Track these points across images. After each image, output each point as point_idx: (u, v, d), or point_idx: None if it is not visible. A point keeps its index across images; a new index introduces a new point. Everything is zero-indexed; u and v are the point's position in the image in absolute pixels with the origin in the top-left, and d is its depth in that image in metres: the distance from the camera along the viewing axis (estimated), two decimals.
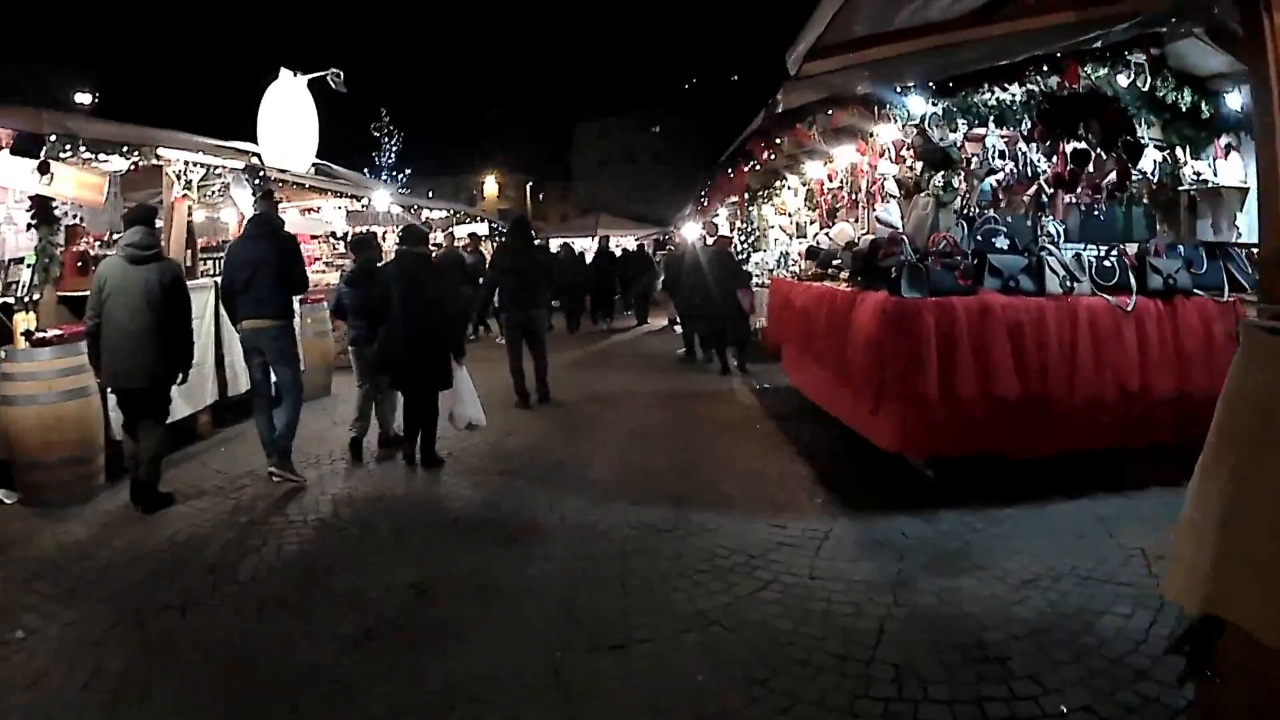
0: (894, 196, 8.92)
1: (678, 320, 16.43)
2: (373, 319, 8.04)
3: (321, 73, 11.64)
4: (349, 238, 15.47)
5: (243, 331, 7.64)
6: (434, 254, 14.69)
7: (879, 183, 9.17)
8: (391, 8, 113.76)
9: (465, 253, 19.52)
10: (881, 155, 8.85)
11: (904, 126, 7.42)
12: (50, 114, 7.33)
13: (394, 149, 41.69)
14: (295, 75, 11.39)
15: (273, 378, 7.75)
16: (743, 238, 16.86)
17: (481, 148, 76.94)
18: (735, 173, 12.67)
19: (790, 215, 14.73)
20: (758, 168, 11.70)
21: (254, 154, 10.10)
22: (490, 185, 77.85)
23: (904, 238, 7.01)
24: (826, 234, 10.87)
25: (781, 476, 7.65)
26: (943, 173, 7.55)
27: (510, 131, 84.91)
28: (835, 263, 9.28)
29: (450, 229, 21.09)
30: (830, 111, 7.74)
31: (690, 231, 26.81)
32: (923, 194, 7.96)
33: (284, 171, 11.24)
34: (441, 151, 70.45)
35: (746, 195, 15.79)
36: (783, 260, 14.49)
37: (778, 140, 9.75)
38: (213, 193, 11.64)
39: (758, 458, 8.37)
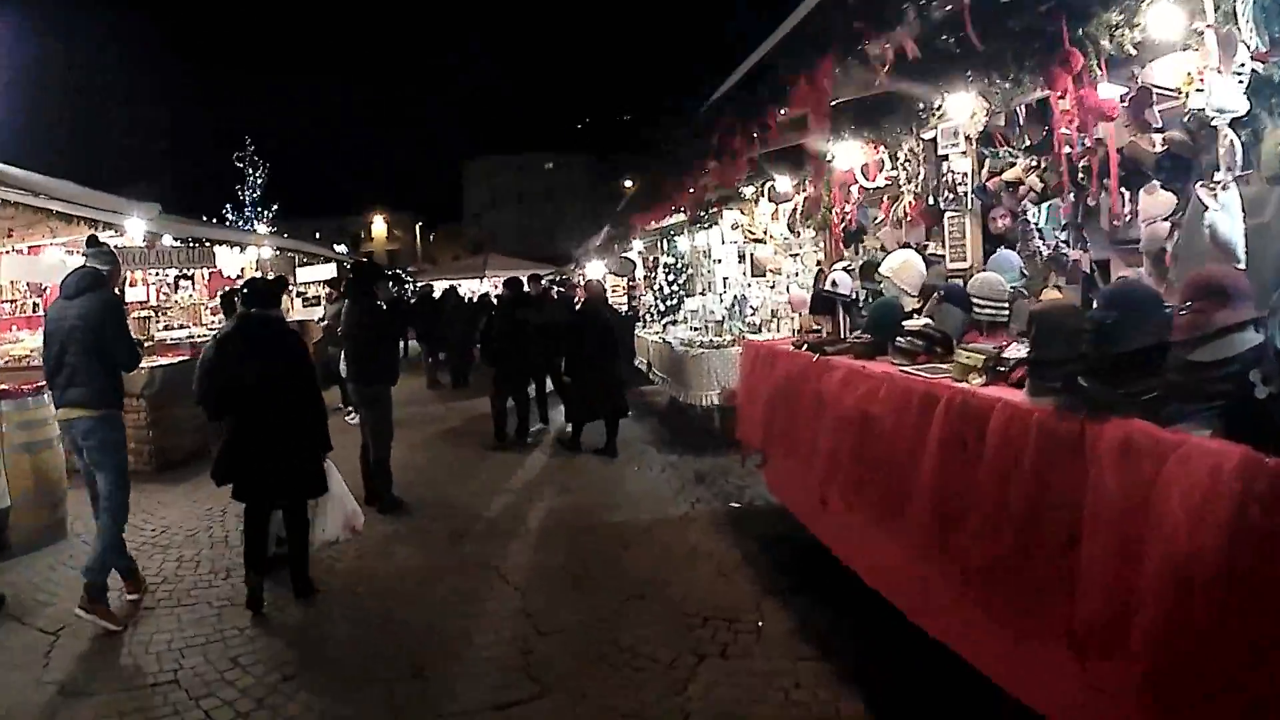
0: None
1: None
2: (209, 408, 6.22)
3: None
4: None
5: (60, 422, 6.07)
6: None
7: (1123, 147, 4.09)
8: (273, 45, 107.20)
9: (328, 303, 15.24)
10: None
11: None
12: None
13: (259, 181, 36.17)
14: None
15: None
16: (669, 277, 12.15)
17: (368, 186, 72.66)
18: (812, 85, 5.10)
19: (763, 239, 9.95)
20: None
21: None
22: (378, 225, 73.65)
23: None
24: (850, 270, 6.27)
25: None
26: None
27: (399, 169, 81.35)
28: (918, 327, 4.67)
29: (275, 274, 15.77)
30: None
31: (595, 269, 22.15)
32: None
33: None
34: (325, 190, 66.10)
35: (681, 215, 10.99)
36: (737, 309, 9.84)
37: None
38: None
39: None
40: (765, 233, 9.54)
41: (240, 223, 34.91)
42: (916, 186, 6.00)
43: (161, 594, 6.05)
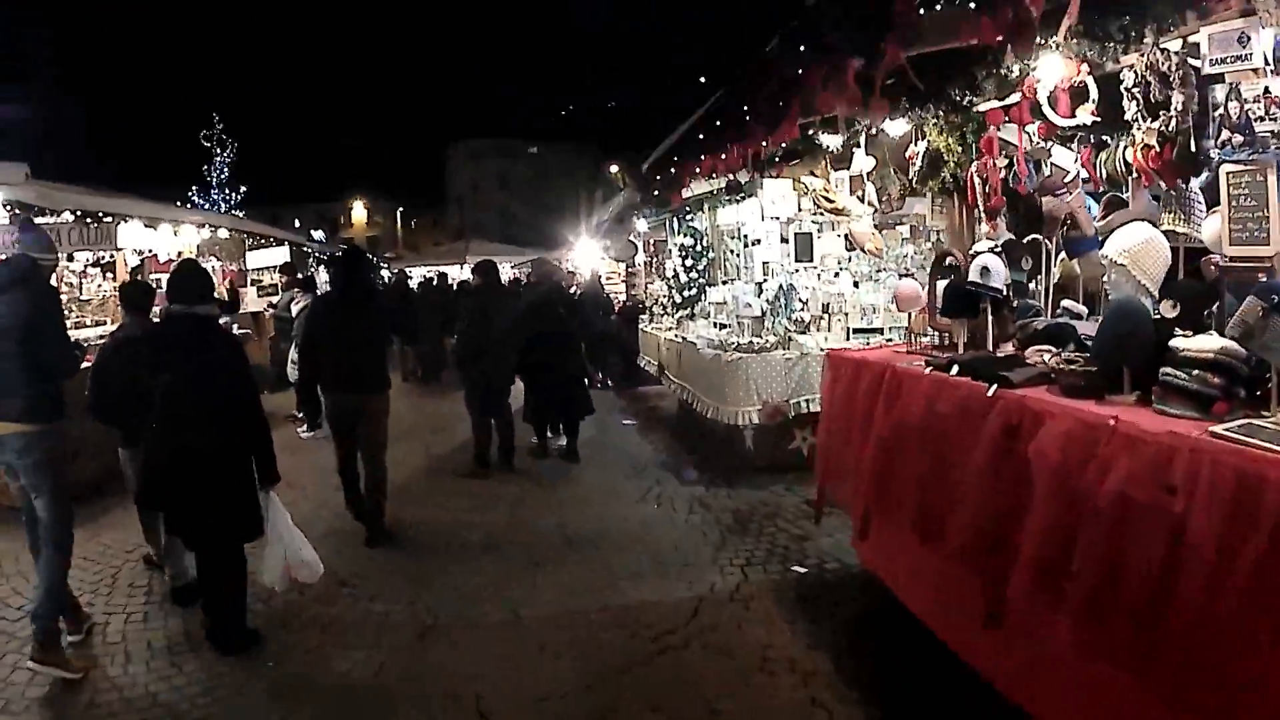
0: None
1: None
2: (122, 425, 5.37)
3: None
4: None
5: None
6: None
7: None
8: (252, 28, 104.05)
9: (287, 292, 12.76)
10: None
11: None
12: None
13: (227, 162, 33.65)
14: None
15: None
16: (686, 261, 10.02)
17: (348, 171, 70.32)
18: None
19: (843, 210, 7.71)
20: None
21: None
22: (358, 211, 71.99)
23: None
24: (997, 249, 4.24)
25: None
26: None
27: (380, 154, 79.32)
28: (1211, 353, 2.66)
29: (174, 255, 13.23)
30: None
31: (587, 254, 19.97)
32: None
33: None
34: (303, 175, 63.99)
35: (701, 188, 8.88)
36: (781, 302, 7.79)
37: None
38: None
39: None
40: (863, 199, 7.30)
41: (206, 205, 32.55)
42: (1166, 124, 3.80)
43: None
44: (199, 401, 4.69)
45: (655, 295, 12.54)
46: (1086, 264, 4.68)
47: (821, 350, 7.61)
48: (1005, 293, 4.19)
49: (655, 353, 10.76)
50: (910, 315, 4.98)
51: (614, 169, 50.25)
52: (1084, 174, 4.73)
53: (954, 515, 3.53)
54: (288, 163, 66.04)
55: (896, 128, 5.92)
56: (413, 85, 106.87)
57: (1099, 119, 4.18)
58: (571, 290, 14.55)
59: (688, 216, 10.64)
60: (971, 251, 4.39)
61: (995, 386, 3.43)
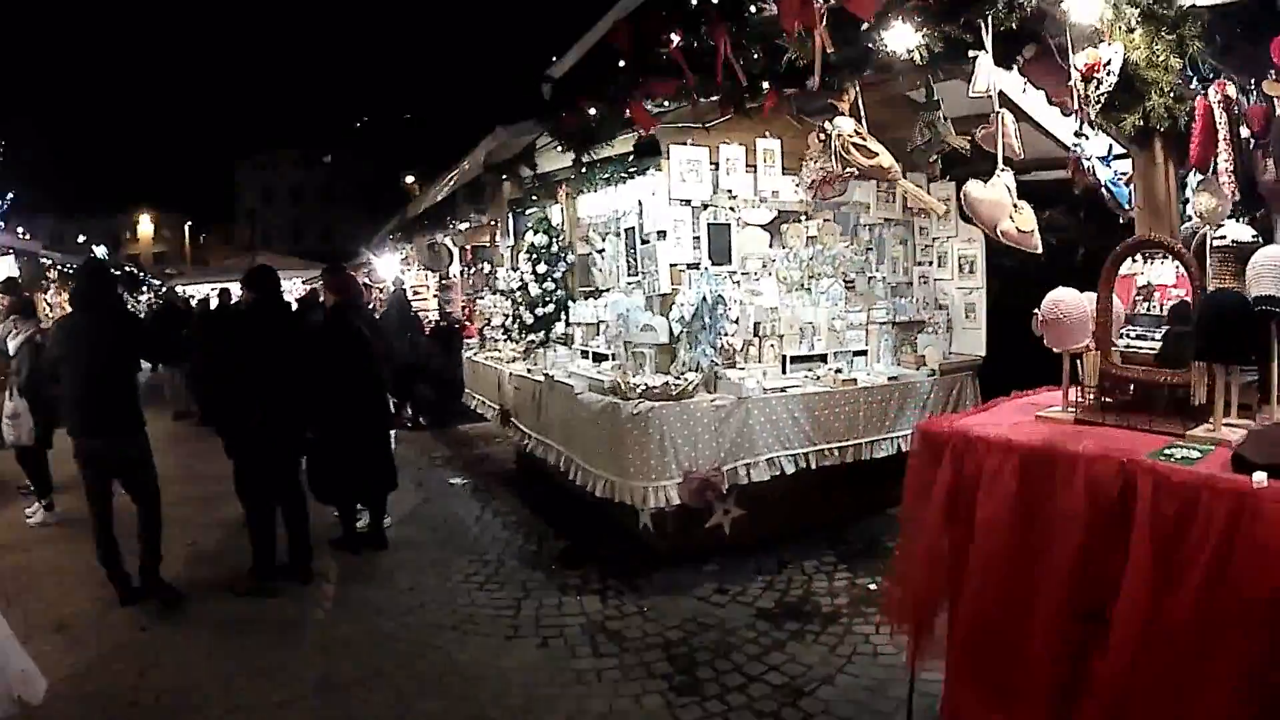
0: None
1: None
2: None
3: None
4: None
5: None
6: None
7: None
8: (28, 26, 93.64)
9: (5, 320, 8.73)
10: None
11: None
12: None
13: None
14: None
15: None
16: (538, 267, 7.38)
17: (135, 184, 65.73)
18: None
19: (893, 173, 5.03)
20: None
21: None
22: (144, 225, 67.69)
23: None
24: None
25: None
26: None
27: (168, 165, 74.19)
28: None
29: None
30: None
31: (388, 265, 17.15)
32: None
33: None
34: (87, 187, 58.86)
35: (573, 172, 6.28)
36: (703, 322, 5.42)
37: None
38: None
39: None
40: (994, 154, 4.24)
41: None
42: None
43: None
44: None
45: (486, 315, 9.77)
46: None
47: (765, 392, 5.29)
48: None
49: (494, 393, 8.01)
50: (1072, 352, 2.62)
51: (409, 179, 47.90)
52: None
53: None
54: (71, 173, 59.63)
55: (1087, 9, 3.03)
56: (202, 93, 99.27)
57: None
58: (372, 309, 11.89)
59: (531, 210, 8.04)
60: (1228, 239, 2.15)
61: None
